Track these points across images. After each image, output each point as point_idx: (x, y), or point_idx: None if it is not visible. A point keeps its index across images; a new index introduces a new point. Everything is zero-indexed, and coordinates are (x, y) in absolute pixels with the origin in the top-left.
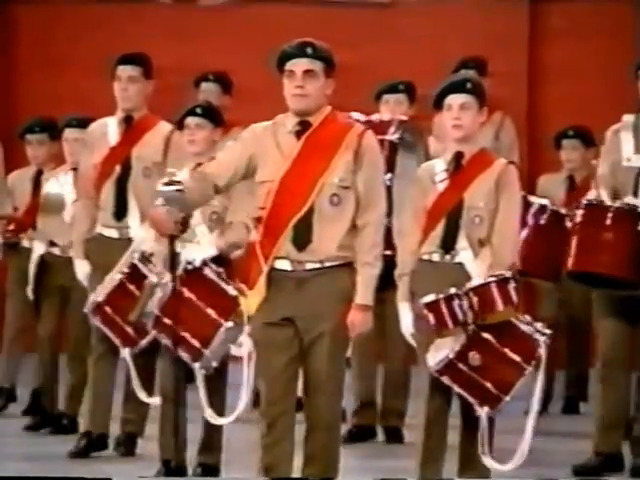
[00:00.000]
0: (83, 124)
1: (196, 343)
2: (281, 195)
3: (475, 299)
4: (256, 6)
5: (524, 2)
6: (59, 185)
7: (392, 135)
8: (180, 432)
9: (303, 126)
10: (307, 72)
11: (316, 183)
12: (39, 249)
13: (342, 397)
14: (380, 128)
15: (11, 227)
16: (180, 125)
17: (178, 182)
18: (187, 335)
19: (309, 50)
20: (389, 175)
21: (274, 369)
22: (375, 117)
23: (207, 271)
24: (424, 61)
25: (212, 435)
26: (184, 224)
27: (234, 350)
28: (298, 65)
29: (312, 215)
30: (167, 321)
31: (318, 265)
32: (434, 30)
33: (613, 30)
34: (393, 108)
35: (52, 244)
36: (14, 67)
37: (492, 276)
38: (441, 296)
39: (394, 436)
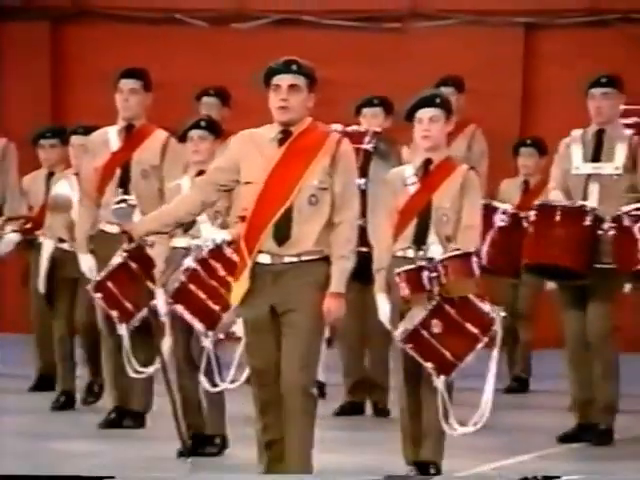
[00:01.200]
0: (88, 131)
1: (215, 309)
2: (264, 196)
3: (442, 270)
4: (279, 30)
5: (520, 29)
6: (69, 186)
7: (367, 144)
8: (194, 397)
9: (285, 134)
10: (291, 86)
11: (296, 185)
12: (49, 246)
13: (317, 373)
14: (356, 138)
15: (28, 225)
16: (184, 136)
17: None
18: (210, 303)
19: (294, 67)
20: (364, 180)
21: (260, 348)
22: (351, 128)
23: (227, 250)
24: (430, 81)
25: (212, 405)
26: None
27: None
28: (283, 80)
29: (292, 213)
30: (193, 288)
31: (295, 259)
32: (439, 54)
33: (601, 55)
34: (370, 120)
35: (61, 240)
36: (63, 81)
37: (456, 249)
38: (413, 266)
39: (380, 411)
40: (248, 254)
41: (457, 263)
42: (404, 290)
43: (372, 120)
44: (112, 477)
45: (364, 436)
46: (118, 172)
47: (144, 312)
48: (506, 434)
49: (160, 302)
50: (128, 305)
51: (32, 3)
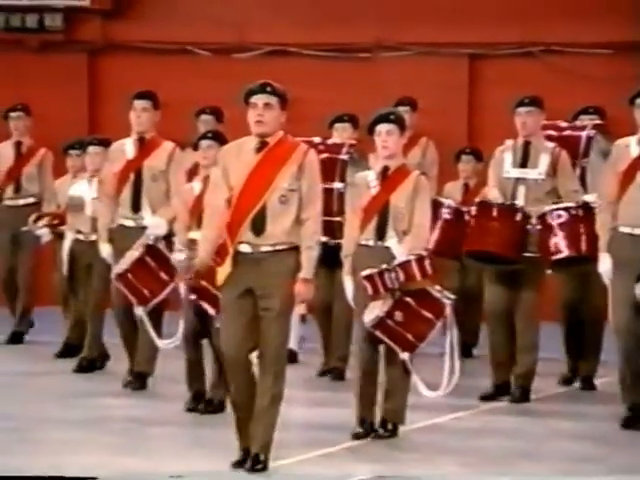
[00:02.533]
0: (101, 143)
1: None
2: (243, 195)
3: (401, 272)
4: (271, 59)
5: (465, 59)
6: (85, 187)
7: (344, 155)
8: (201, 367)
9: (261, 145)
10: (266, 105)
11: (269, 187)
12: (69, 238)
13: (287, 345)
14: (335, 149)
15: (55, 221)
16: (196, 146)
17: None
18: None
19: (268, 88)
20: (342, 184)
21: (235, 322)
22: (331, 141)
23: None
24: (392, 101)
25: (219, 375)
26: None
27: None
28: (259, 99)
29: (266, 210)
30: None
31: (270, 248)
32: (400, 78)
33: (528, 79)
34: (341, 133)
35: (78, 232)
36: (97, 102)
37: (412, 254)
38: (375, 270)
39: (339, 375)
40: (230, 243)
41: (413, 266)
42: (369, 290)
43: (342, 133)
44: (94, 478)
45: (332, 395)
46: (132, 176)
47: (159, 298)
48: (449, 394)
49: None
50: (145, 292)
51: (71, 38)
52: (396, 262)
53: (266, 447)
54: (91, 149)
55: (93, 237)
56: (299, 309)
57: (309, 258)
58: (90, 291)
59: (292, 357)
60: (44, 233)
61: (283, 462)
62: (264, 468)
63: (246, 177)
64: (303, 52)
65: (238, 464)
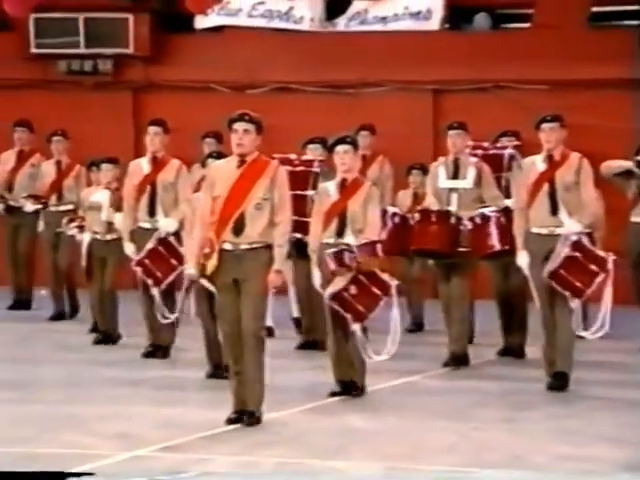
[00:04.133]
0: (111, 161)
1: None
2: (227, 203)
3: (357, 251)
4: (276, 94)
5: (430, 93)
6: (103, 196)
7: (315, 168)
8: (217, 339)
9: (241, 162)
10: (245, 130)
11: (247, 196)
12: (87, 238)
13: (265, 322)
14: (308, 163)
15: (84, 223)
16: (203, 163)
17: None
18: None
19: (246, 117)
20: (314, 192)
21: (227, 305)
22: (305, 157)
23: None
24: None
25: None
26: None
27: None
28: (240, 126)
29: (244, 215)
30: None
31: (248, 246)
32: (378, 109)
33: (482, 111)
34: (313, 152)
35: (94, 232)
36: (142, 131)
37: (365, 238)
38: (338, 249)
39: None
40: (216, 242)
41: (367, 247)
42: (332, 265)
43: (314, 152)
44: (92, 474)
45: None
46: (148, 188)
47: (169, 279)
48: (404, 360)
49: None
50: (159, 275)
51: (119, 79)
52: (353, 245)
53: (259, 404)
54: (104, 166)
55: (107, 237)
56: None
57: (280, 254)
58: (105, 279)
59: (269, 332)
60: (75, 233)
61: (275, 415)
62: (259, 421)
63: (229, 188)
64: (302, 88)
65: (231, 421)
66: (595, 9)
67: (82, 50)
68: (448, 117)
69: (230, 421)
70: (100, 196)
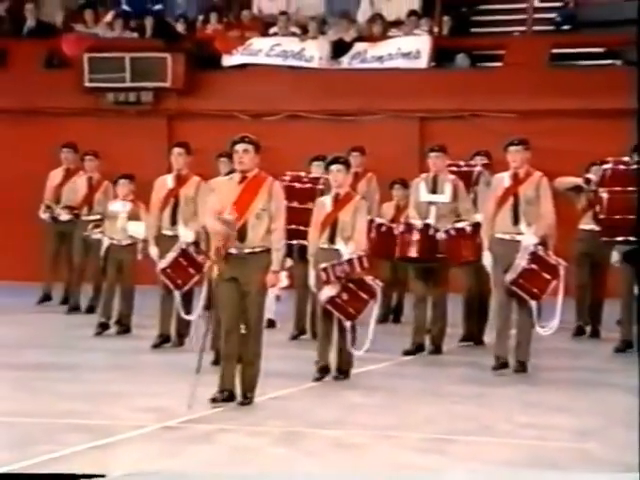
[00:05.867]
0: (127, 177)
1: None
2: (232, 214)
3: (347, 265)
4: (288, 121)
5: (417, 121)
6: (119, 207)
7: (320, 185)
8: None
9: (243, 178)
10: (245, 150)
11: (249, 208)
12: (106, 242)
13: (264, 317)
14: (314, 181)
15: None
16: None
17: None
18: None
19: (246, 139)
20: None
21: (229, 300)
22: (312, 175)
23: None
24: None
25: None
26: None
27: None
28: (240, 147)
29: (247, 224)
30: None
31: (250, 250)
32: (375, 135)
33: (464, 137)
34: (317, 169)
35: (111, 238)
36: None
37: (354, 254)
38: (329, 264)
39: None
40: (222, 247)
41: (356, 262)
42: (324, 278)
43: (318, 169)
44: (103, 476)
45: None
46: (172, 201)
47: (188, 285)
48: (387, 347)
49: None
50: (179, 282)
51: (157, 108)
52: (344, 259)
53: (252, 388)
54: (121, 181)
55: (123, 242)
56: (274, 291)
57: (277, 256)
58: (123, 280)
59: (271, 324)
60: (100, 237)
61: (281, 392)
62: (250, 402)
63: (234, 201)
64: (311, 116)
65: (214, 400)
66: (555, 51)
67: (127, 84)
68: (432, 140)
69: (214, 400)
70: (117, 206)
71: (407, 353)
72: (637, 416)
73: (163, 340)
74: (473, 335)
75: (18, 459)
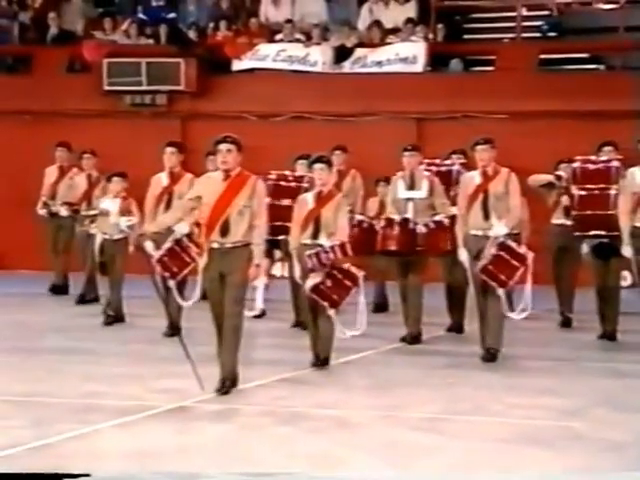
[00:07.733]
0: (120, 175)
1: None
2: (214, 209)
3: (331, 252)
4: (293, 121)
5: (414, 122)
6: (112, 203)
7: (305, 183)
8: None
9: (226, 176)
10: (228, 150)
11: (231, 204)
12: (99, 237)
13: (244, 308)
14: (300, 179)
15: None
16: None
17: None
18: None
19: (228, 139)
20: None
21: (214, 292)
22: (297, 173)
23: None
24: (366, 150)
25: None
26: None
27: None
28: (223, 146)
29: (229, 220)
30: None
31: (232, 245)
32: (374, 135)
33: (455, 136)
34: (300, 168)
35: (104, 233)
36: (189, 153)
37: (337, 240)
38: (315, 250)
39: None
40: (206, 242)
41: (339, 248)
42: (310, 264)
43: (301, 168)
44: (87, 475)
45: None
46: (166, 197)
47: (183, 273)
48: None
49: None
50: (175, 269)
51: (171, 110)
52: (327, 246)
53: (231, 373)
54: (114, 179)
55: (115, 237)
56: (262, 280)
57: (258, 251)
58: (114, 272)
59: (262, 313)
60: (95, 231)
61: (288, 375)
62: (233, 386)
63: (217, 198)
64: (315, 117)
65: (218, 391)
66: (542, 56)
67: (143, 87)
68: (428, 140)
69: (218, 391)
70: (106, 204)
71: (403, 340)
72: (618, 397)
73: (174, 330)
74: (460, 326)
75: (41, 437)
